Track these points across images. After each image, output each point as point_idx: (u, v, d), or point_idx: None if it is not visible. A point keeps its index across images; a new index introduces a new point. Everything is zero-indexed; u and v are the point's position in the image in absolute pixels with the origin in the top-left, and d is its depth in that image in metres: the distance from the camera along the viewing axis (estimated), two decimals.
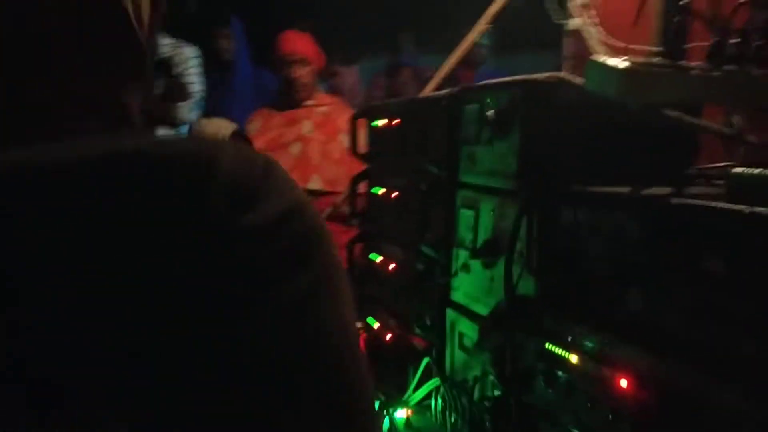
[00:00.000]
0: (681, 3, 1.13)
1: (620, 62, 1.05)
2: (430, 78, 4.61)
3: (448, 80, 3.29)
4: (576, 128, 1.19)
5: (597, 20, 2.14)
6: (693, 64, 1.08)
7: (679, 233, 0.87)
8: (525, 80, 1.24)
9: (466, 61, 4.03)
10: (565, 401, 1.06)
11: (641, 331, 0.94)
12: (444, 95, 1.47)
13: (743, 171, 0.83)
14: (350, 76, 3.84)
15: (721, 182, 1.05)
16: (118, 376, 0.53)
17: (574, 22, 2.27)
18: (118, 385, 0.53)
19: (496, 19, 2.55)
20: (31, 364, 0.53)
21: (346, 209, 2.12)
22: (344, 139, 3.14)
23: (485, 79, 4.43)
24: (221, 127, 2.53)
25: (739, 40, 1.10)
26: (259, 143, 2.92)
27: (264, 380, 0.55)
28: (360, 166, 1.98)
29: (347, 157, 3.10)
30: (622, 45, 1.98)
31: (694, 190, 1.02)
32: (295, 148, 2.99)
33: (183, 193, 0.54)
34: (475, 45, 4.53)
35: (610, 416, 0.95)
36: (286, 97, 3.15)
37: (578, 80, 1.17)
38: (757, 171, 0.81)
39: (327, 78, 3.86)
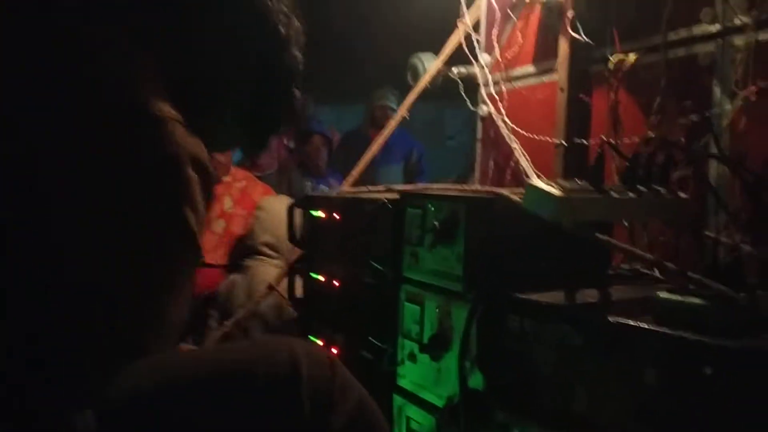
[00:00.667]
0: (603, 138, 1.33)
1: (554, 189, 1.22)
2: (338, 142, 4.79)
3: (363, 140, 3.43)
4: (512, 238, 1.36)
5: (504, 110, 2.37)
6: (611, 187, 1.27)
7: (615, 346, 1.04)
8: (467, 196, 1.40)
9: (378, 125, 4.25)
10: None
11: (581, 426, 1.09)
12: (387, 200, 1.61)
13: (669, 297, 1.01)
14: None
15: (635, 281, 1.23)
16: None
17: (484, 110, 2.50)
18: None
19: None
20: None
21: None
22: None
23: (395, 141, 4.60)
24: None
25: (646, 167, 1.31)
26: None
27: None
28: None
29: None
30: (529, 134, 2.21)
31: (615, 296, 1.21)
32: (219, 226, 3.06)
33: (280, 402, 0.66)
34: (387, 109, 4.78)
35: None
36: None
37: (514, 197, 1.34)
38: (679, 298, 0.99)
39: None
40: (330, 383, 0.69)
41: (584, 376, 1.09)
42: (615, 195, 1.26)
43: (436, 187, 1.68)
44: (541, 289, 1.27)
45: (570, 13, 1.98)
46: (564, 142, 2.04)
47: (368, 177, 4.32)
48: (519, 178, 2.29)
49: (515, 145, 2.29)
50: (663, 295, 1.02)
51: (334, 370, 0.71)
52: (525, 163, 2.27)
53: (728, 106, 1.64)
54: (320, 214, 1.93)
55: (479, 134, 2.58)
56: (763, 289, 1.05)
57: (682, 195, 1.34)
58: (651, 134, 1.37)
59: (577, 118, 2.05)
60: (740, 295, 0.98)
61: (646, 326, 0.98)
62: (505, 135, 2.37)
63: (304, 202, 2.02)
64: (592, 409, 1.08)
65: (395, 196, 1.63)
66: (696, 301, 0.98)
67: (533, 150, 2.25)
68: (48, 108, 0.70)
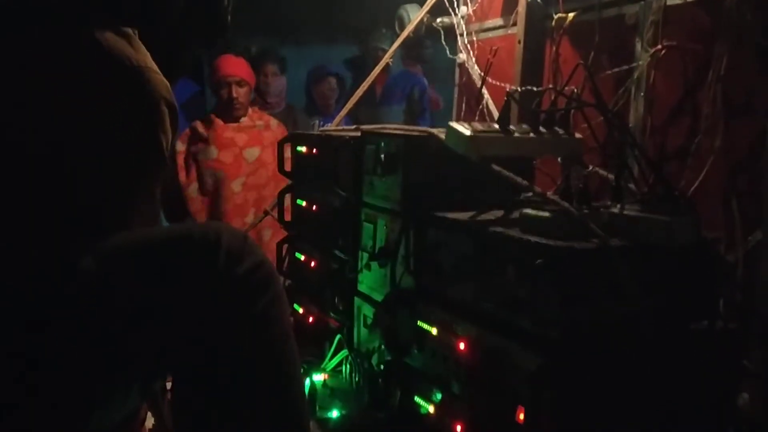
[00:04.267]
0: (508, 91, 1.62)
1: (466, 129, 1.53)
2: (350, 84, 5.04)
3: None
4: (441, 169, 1.68)
5: (475, 58, 2.65)
6: (515, 128, 1.58)
7: (492, 250, 1.37)
8: (405, 134, 1.72)
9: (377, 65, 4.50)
10: (430, 361, 1.56)
11: (471, 312, 1.43)
12: (351, 137, 1.93)
13: (528, 212, 1.33)
14: (279, 84, 4.23)
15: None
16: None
17: (461, 57, 2.78)
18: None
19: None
20: None
21: (275, 215, 2.56)
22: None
23: (396, 81, 4.87)
24: None
25: (546, 111, 1.61)
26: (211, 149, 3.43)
27: (243, 358, 1.04)
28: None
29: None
30: (494, 81, 2.50)
31: (507, 216, 1.52)
32: (252, 154, 3.50)
33: (204, 257, 1.02)
34: (379, 50, 5.01)
35: (455, 368, 1.45)
36: (224, 114, 3.59)
37: (441, 137, 1.65)
38: (536, 213, 1.31)
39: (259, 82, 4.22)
40: (241, 248, 1.05)
41: (473, 274, 1.43)
42: (517, 135, 1.57)
43: (391, 127, 1.99)
44: (460, 210, 1.60)
45: None
46: (519, 88, 2.33)
47: (372, 117, 4.62)
48: (486, 118, 2.59)
49: (484, 90, 2.58)
50: (526, 211, 1.35)
51: (246, 241, 1.07)
52: (492, 105, 2.56)
53: (643, 61, 1.93)
54: (303, 149, 2.27)
55: (456, 79, 2.87)
56: (606, 207, 1.37)
57: (578, 135, 1.64)
58: (549, 86, 1.65)
59: (531, 67, 2.33)
60: (581, 211, 1.30)
61: (505, 232, 1.31)
62: (475, 80, 2.66)
63: (291, 139, 2.36)
64: (477, 299, 1.42)
65: (357, 134, 1.95)
66: (545, 215, 1.30)
67: (501, 94, 2.54)
68: (65, 79, 1.06)
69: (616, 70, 1.99)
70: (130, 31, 1.14)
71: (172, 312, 1.02)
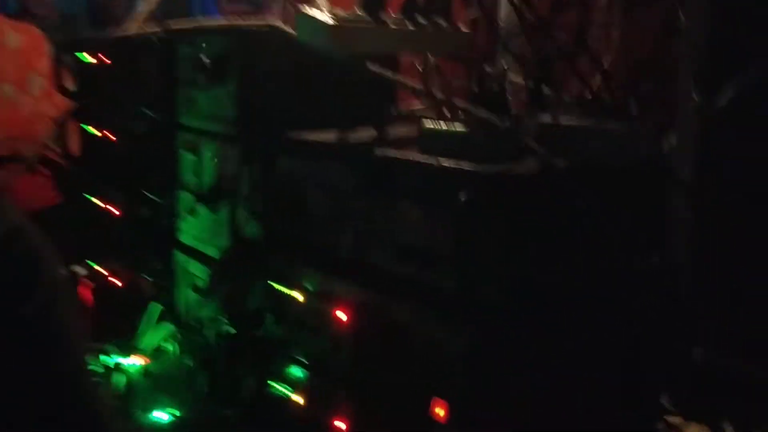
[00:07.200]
0: None
1: (327, 17, 1.11)
2: None
3: None
4: (289, 75, 1.24)
5: None
6: (390, 18, 1.18)
7: (381, 180, 0.98)
8: (239, 28, 1.25)
9: None
10: (293, 335, 1.16)
11: (354, 268, 1.04)
12: (155, 36, 1.42)
13: (433, 126, 0.95)
14: None
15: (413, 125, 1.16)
16: None
17: None
18: None
19: None
20: None
21: (54, 150, 1.97)
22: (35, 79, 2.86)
23: None
24: None
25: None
26: None
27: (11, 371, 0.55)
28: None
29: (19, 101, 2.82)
30: None
31: (393, 134, 1.13)
32: None
33: None
34: None
35: (331, 344, 1.06)
36: None
37: (289, 29, 1.21)
38: (443, 128, 0.93)
39: None
40: None
41: (353, 216, 1.04)
42: (393, 26, 1.17)
43: (213, 21, 1.51)
44: (319, 128, 1.18)
45: None
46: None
47: None
48: None
49: None
50: (428, 124, 0.96)
51: None
52: None
53: None
54: (90, 59, 1.70)
55: None
56: (529, 116, 1.03)
57: (463, 29, 1.27)
58: None
59: None
60: (503, 122, 0.94)
61: (402, 156, 0.92)
62: None
63: (70, 46, 1.77)
64: (361, 250, 1.03)
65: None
66: (459, 129, 0.93)
67: None
68: None
69: None
70: None
71: None
